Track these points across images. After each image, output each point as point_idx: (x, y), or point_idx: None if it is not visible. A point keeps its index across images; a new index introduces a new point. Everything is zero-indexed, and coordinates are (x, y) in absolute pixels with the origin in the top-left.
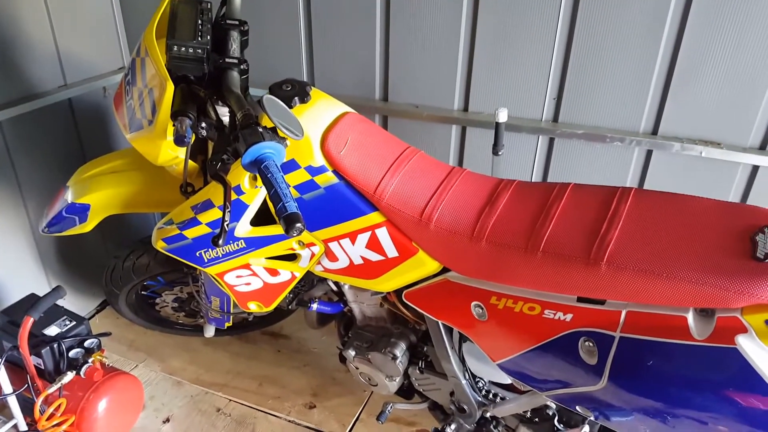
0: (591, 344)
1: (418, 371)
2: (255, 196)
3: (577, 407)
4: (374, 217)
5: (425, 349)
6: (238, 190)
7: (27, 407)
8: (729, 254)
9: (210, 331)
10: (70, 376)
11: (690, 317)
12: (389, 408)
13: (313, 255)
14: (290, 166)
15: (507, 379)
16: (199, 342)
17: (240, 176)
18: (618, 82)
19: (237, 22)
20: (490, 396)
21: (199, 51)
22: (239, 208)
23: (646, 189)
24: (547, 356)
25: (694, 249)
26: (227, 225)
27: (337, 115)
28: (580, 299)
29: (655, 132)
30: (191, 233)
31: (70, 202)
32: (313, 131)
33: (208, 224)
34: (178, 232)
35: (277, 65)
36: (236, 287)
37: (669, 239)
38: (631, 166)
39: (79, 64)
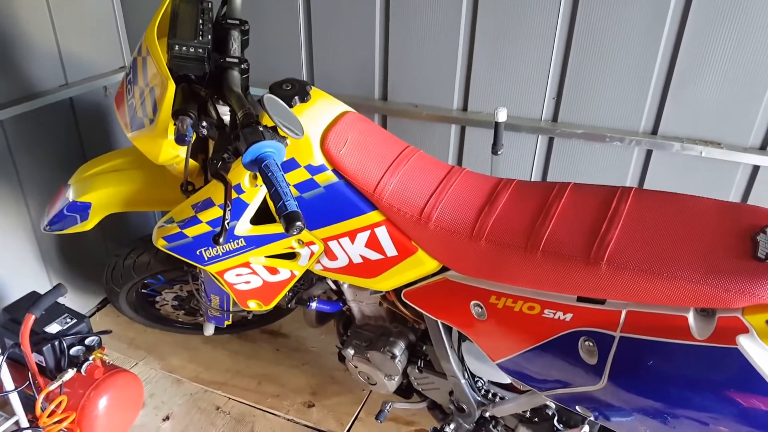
0: (591, 344)
1: (417, 370)
2: (255, 195)
3: (576, 407)
4: (374, 216)
5: (424, 348)
6: (239, 189)
7: (28, 404)
8: (730, 254)
9: (209, 330)
10: (71, 373)
11: (690, 317)
12: (388, 407)
13: (312, 254)
14: (290, 165)
15: (506, 379)
16: (199, 340)
17: (240, 175)
18: (618, 81)
19: (237, 22)
20: (490, 395)
21: (200, 50)
22: (239, 207)
23: (646, 189)
24: (547, 356)
25: (695, 249)
26: (228, 223)
27: (337, 115)
28: (580, 299)
29: (654, 132)
30: (192, 232)
31: (71, 200)
32: (313, 130)
33: (208, 223)
34: (179, 230)
35: (277, 65)
36: (236, 285)
37: (669, 239)
38: (630, 166)
39: (80, 64)
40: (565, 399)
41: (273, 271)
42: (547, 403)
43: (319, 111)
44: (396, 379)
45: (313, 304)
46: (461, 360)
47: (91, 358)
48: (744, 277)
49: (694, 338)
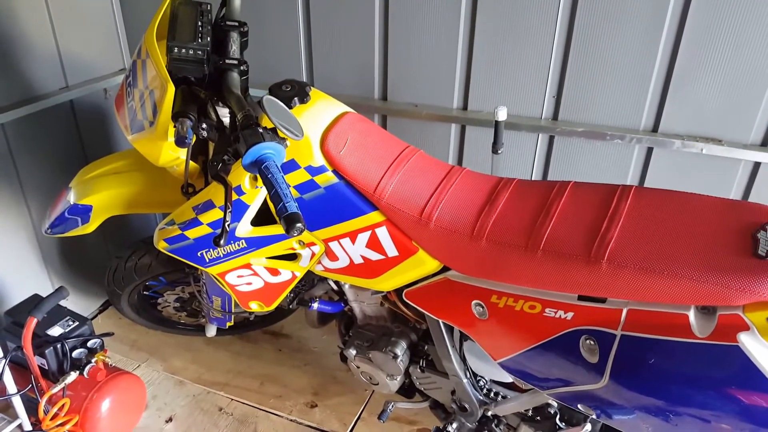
0: (592, 342)
1: (419, 370)
2: (255, 197)
3: (578, 405)
4: (374, 217)
5: (426, 347)
6: (239, 191)
7: (31, 407)
8: (730, 252)
9: (211, 331)
10: (73, 376)
11: (691, 315)
12: (390, 407)
13: (313, 255)
14: (290, 166)
15: (508, 378)
16: (201, 341)
17: (241, 176)
18: (618, 79)
19: (237, 24)
20: (492, 394)
21: (200, 52)
22: (240, 209)
23: (646, 187)
24: (548, 355)
25: (695, 246)
26: (228, 225)
27: (337, 115)
28: (580, 297)
29: (655, 129)
30: (192, 233)
31: (72, 203)
32: (312, 131)
33: (209, 224)
34: (180, 232)
35: (276, 65)
36: (237, 287)
37: (670, 237)
38: (631, 164)
39: (80, 66)
40: (566, 397)
41: (274, 272)
42: (549, 401)
43: (319, 112)
44: (398, 379)
45: (315, 305)
46: (463, 359)
47: (93, 360)
48: (744, 275)
49: (695, 336)
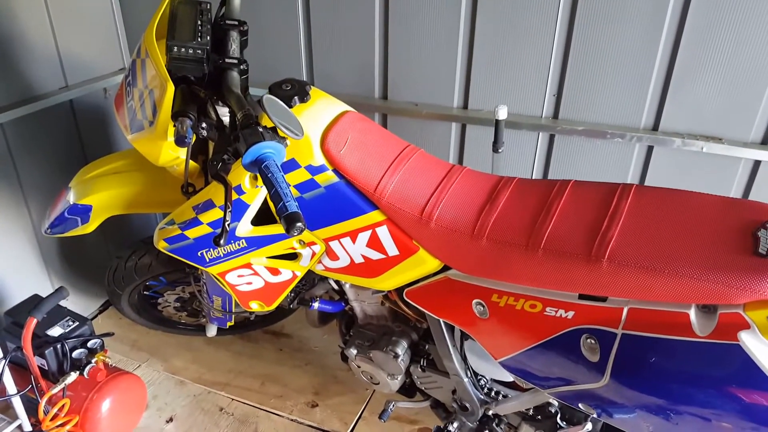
0: (593, 341)
1: (419, 369)
2: (256, 196)
3: (579, 404)
4: (375, 216)
5: (427, 347)
6: (239, 190)
7: (31, 408)
8: (731, 250)
9: (212, 331)
10: (73, 376)
11: (692, 314)
12: (391, 406)
13: (314, 254)
14: (290, 165)
15: (509, 377)
16: (202, 341)
17: (241, 176)
18: (618, 77)
19: (236, 23)
20: (492, 394)
21: (199, 51)
22: (240, 208)
23: (646, 185)
24: (549, 354)
25: (696, 245)
26: (228, 225)
27: (337, 114)
28: (581, 296)
29: (655, 128)
30: (193, 233)
31: (72, 203)
32: (312, 130)
33: (209, 224)
34: (180, 232)
35: (276, 64)
36: (238, 287)
37: (670, 236)
38: (632, 163)
39: (80, 66)
40: (567, 396)
41: (274, 271)
42: (550, 400)
43: (319, 111)
44: (399, 379)
45: (316, 305)
46: (464, 358)
47: (93, 360)
48: (745, 273)
49: (696, 335)
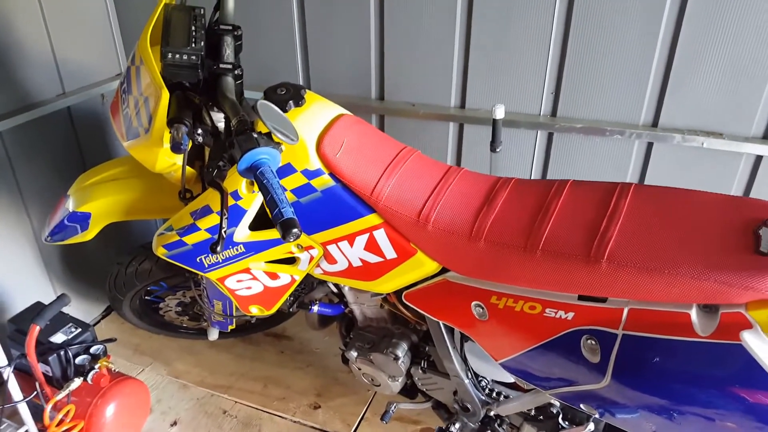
0: (593, 342)
1: (420, 371)
2: (253, 201)
3: (581, 405)
4: (372, 219)
5: (427, 348)
6: (236, 195)
7: (36, 414)
8: (732, 249)
9: (213, 335)
10: (77, 382)
11: (693, 314)
12: (393, 408)
13: (312, 258)
14: (286, 170)
15: (510, 378)
16: (204, 345)
17: (237, 181)
18: (616, 74)
19: (230, 27)
20: (494, 395)
21: (193, 57)
22: (237, 213)
23: (645, 184)
24: (550, 355)
25: (696, 244)
26: (225, 231)
27: (333, 118)
28: (581, 297)
29: (655, 124)
30: (191, 239)
31: (71, 210)
32: (308, 135)
33: (207, 230)
34: (178, 238)
35: (272, 66)
36: (237, 291)
37: (670, 235)
38: (631, 160)
39: (77, 72)
40: (568, 397)
41: (273, 276)
42: (552, 401)
43: (314, 115)
44: (400, 380)
45: (315, 308)
46: (464, 360)
47: (96, 366)
48: (747, 272)
49: (698, 335)
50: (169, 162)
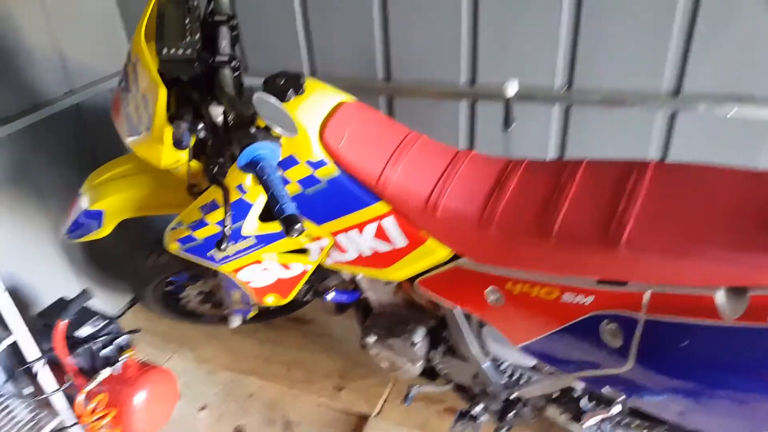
0: (614, 327)
1: (439, 355)
2: (259, 194)
3: (605, 388)
4: (379, 208)
5: (445, 333)
6: (241, 189)
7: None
8: (759, 228)
9: (235, 322)
10: (106, 372)
11: (720, 297)
12: (414, 391)
13: (322, 248)
14: (290, 161)
15: (531, 361)
16: (228, 331)
17: (242, 175)
18: (635, 37)
19: (225, 18)
20: (515, 378)
21: (189, 51)
22: (244, 207)
23: (665, 162)
24: (569, 340)
25: (721, 223)
26: (229, 228)
27: (335, 105)
28: (600, 281)
29: (678, 92)
30: (201, 234)
31: (84, 209)
32: (310, 124)
33: (216, 224)
34: (189, 233)
35: (275, 50)
36: (251, 283)
37: (693, 214)
38: (654, 132)
39: (83, 69)
40: (592, 380)
41: (285, 266)
42: (574, 384)
43: (315, 103)
44: (419, 365)
45: (329, 296)
46: (483, 344)
47: (123, 357)
48: None
49: (725, 318)
50: (173, 158)
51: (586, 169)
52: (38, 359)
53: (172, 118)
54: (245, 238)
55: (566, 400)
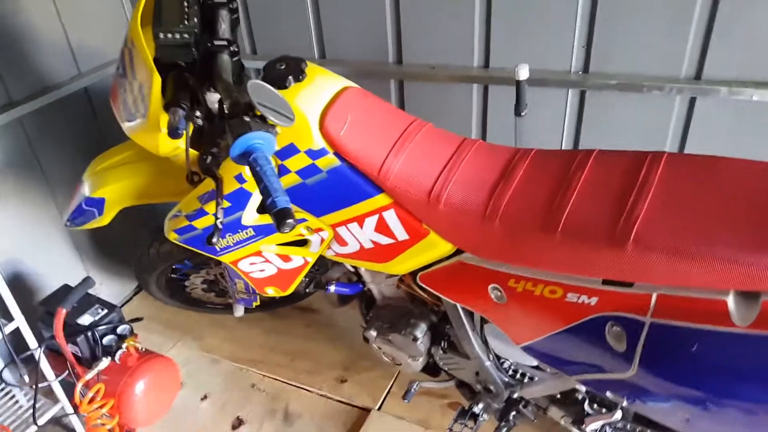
0: (619, 329)
1: (441, 351)
2: None
3: (607, 393)
4: (380, 200)
5: (447, 328)
6: (240, 179)
7: (68, 392)
8: None
9: (239, 311)
10: (105, 362)
11: (731, 301)
12: (414, 387)
13: (323, 240)
14: (289, 150)
15: (534, 361)
16: (233, 319)
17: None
18: (654, 20)
19: (225, 0)
20: (518, 376)
21: (186, 36)
22: (243, 197)
23: (679, 153)
24: (572, 341)
25: (735, 222)
26: (220, 223)
27: (336, 92)
28: (605, 282)
29: (698, 77)
30: (200, 224)
31: (86, 195)
32: (310, 112)
33: (214, 214)
34: (188, 223)
35: (284, 33)
36: (251, 274)
37: (706, 212)
38: (672, 118)
39: (91, 52)
40: (594, 384)
41: (285, 258)
42: (577, 386)
43: (316, 90)
44: (420, 360)
45: (332, 288)
46: (485, 342)
47: (124, 346)
48: None
49: (735, 324)
50: (171, 146)
51: (596, 159)
52: (38, 347)
53: (168, 105)
54: (246, 228)
55: (569, 402)
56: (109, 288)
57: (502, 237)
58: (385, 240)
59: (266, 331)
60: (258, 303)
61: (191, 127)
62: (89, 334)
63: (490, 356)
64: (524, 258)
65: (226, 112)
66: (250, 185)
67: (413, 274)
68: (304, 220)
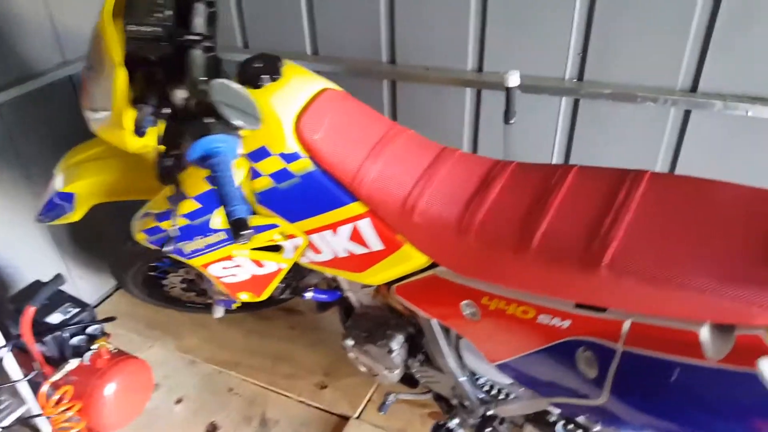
0: (590, 355)
1: (417, 363)
2: None
3: (580, 418)
4: (355, 208)
5: (423, 341)
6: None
7: (36, 394)
8: (755, 258)
9: (219, 312)
10: (73, 363)
11: (705, 333)
12: (391, 399)
13: (297, 247)
14: (261, 153)
15: (508, 379)
16: (215, 319)
17: None
18: (651, 30)
19: None
20: (493, 393)
21: (158, 29)
22: (214, 199)
23: (663, 173)
24: (544, 363)
25: (715, 251)
26: (174, 230)
27: (314, 93)
28: (578, 305)
29: (694, 89)
30: (168, 225)
31: (57, 189)
32: (285, 114)
33: (184, 216)
34: (156, 224)
35: (277, 29)
36: (223, 278)
37: (684, 237)
38: (666, 130)
39: (78, 39)
40: (566, 407)
41: (258, 263)
42: (550, 409)
43: (292, 91)
44: (397, 372)
45: (308, 295)
46: (460, 357)
47: (94, 347)
48: None
49: (708, 358)
50: (139, 143)
51: (575, 176)
52: (2, 347)
53: (134, 102)
54: (216, 231)
55: (543, 422)
56: (88, 283)
57: (476, 252)
58: (359, 249)
59: (248, 332)
60: (239, 304)
61: (162, 125)
62: (58, 333)
63: (466, 372)
64: (497, 276)
65: (196, 111)
66: None
67: (389, 284)
68: (276, 225)
